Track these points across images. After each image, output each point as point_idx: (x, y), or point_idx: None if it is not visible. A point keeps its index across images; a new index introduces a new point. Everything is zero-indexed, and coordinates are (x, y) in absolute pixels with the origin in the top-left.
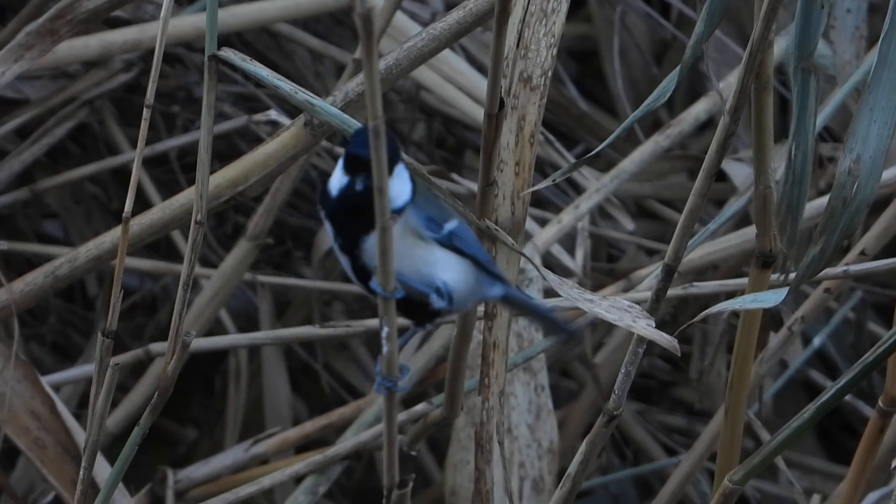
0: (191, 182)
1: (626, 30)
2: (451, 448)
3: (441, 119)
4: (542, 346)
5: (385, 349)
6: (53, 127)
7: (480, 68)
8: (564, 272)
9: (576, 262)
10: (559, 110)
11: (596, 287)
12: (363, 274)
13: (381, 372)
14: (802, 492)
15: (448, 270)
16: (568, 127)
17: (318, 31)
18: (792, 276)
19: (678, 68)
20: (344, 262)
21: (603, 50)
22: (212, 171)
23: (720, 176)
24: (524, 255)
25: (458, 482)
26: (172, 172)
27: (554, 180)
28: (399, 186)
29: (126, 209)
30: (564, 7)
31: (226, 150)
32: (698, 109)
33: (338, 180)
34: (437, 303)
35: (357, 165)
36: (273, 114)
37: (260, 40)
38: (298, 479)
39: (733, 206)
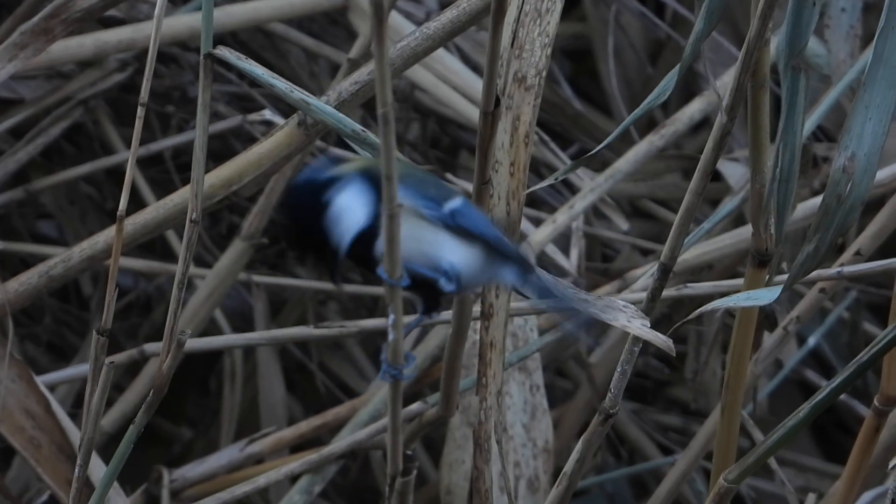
0: (185, 182)
1: (621, 29)
2: (446, 447)
3: (435, 119)
4: (537, 345)
5: (391, 336)
6: (48, 127)
7: (475, 68)
8: (559, 272)
9: (570, 262)
10: (554, 110)
11: (591, 287)
12: (369, 263)
13: (386, 359)
14: (796, 491)
15: (454, 251)
16: (563, 127)
17: (313, 30)
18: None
19: (677, 67)
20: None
21: (597, 49)
22: (206, 171)
23: (715, 176)
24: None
25: (454, 481)
26: (167, 172)
27: (556, 178)
28: (350, 218)
29: (120, 208)
30: (559, 6)
31: (220, 150)
32: (693, 109)
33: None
34: (446, 286)
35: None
36: (267, 113)
37: (254, 40)
38: (294, 479)
39: (728, 204)
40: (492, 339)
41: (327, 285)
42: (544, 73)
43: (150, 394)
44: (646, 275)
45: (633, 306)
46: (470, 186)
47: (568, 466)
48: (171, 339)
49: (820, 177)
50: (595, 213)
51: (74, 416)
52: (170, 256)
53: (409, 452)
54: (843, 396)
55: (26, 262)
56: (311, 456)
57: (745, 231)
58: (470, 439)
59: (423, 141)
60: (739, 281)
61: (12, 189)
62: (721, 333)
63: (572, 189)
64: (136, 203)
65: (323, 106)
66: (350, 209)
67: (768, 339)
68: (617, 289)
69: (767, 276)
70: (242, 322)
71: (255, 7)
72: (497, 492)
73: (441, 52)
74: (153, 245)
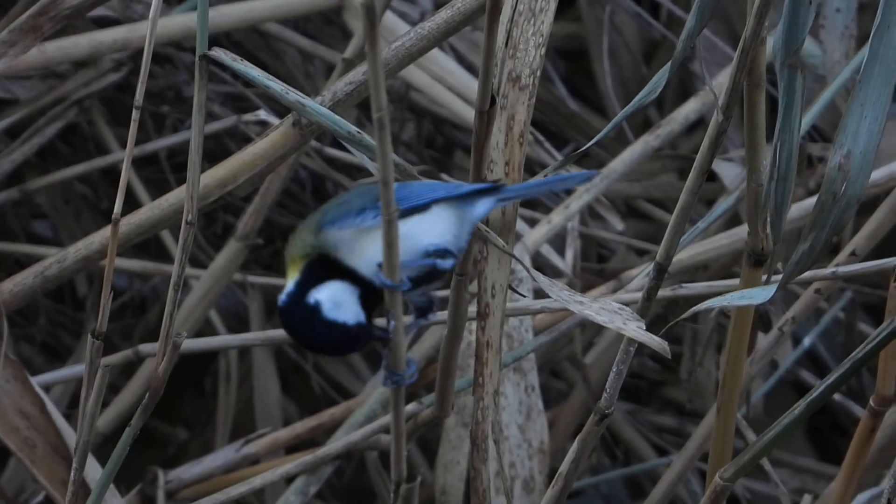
0: (180, 182)
1: (616, 29)
2: (441, 448)
3: (430, 119)
4: (532, 346)
5: (392, 342)
6: (43, 127)
7: (470, 68)
8: (554, 272)
9: (565, 263)
10: (548, 110)
11: (586, 287)
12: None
13: (387, 366)
14: (791, 492)
15: (424, 233)
16: (557, 126)
17: (308, 30)
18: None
19: (669, 63)
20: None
21: (592, 49)
22: (201, 171)
23: (710, 175)
24: (514, 257)
25: (449, 482)
26: (162, 172)
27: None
28: (349, 302)
29: (115, 209)
30: (553, 6)
31: (215, 150)
32: (688, 109)
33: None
34: (444, 264)
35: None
36: (262, 114)
37: (249, 40)
38: (289, 480)
39: (723, 204)
40: (488, 338)
41: None
42: (539, 73)
43: (146, 396)
44: (641, 275)
45: (628, 308)
46: None
47: (563, 467)
48: (167, 340)
49: (815, 176)
50: (590, 213)
51: (69, 416)
52: (165, 257)
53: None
54: (838, 397)
55: (21, 263)
56: (306, 457)
57: (741, 231)
58: (465, 440)
59: (418, 141)
60: (735, 281)
61: (7, 189)
62: (716, 334)
63: (567, 189)
64: (131, 203)
65: (318, 107)
66: (337, 293)
67: (763, 339)
68: (612, 289)
69: (768, 277)
70: (237, 322)
71: (250, 7)
72: (493, 492)
73: (436, 52)
74: (148, 245)
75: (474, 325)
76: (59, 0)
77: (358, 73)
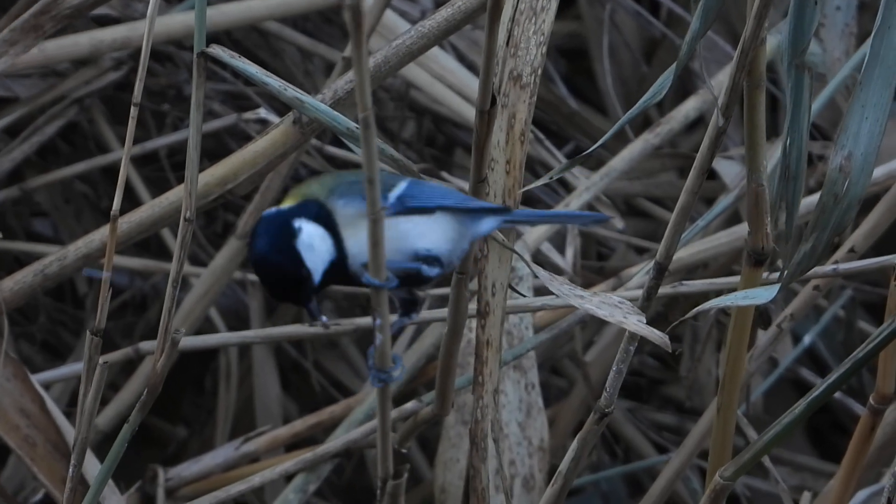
0: (180, 180)
1: (616, 28)
2: (440, 446)
3: (431, 117)
4: (532, 344)
5: (378, 340)
6: (43, 125)
7: (470, 66)
8: (554, 270)
9: (566, 261)
10: (549, 109)
11: (586, 285)
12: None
13: (374, 365)
14: (791, 490)
15: (421, 236)
16: (558, 125)
17: (308, 29)
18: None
19: (674, 65)
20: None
21: (592, 48)
22: (201, 170)
23: (710, 174)
24: (516, 252)
25: (448, 480)
26: (162, 171)
27: (551, 178)
28: (320, 248)
29: (115, 205)
30: (554, 5)
31: (215, 149)
32: (688, 107)
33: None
34: (430, 271)
35: (292, 299)
36: (262, 112)
37: (249, 38)
38: (289, 478)
39: (723, 202)
40: (488, 336)
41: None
42: (540, 72)
43: (145, 392)
44: (640, 273)
45: (629, 302)
46: (466, 185)
47: (563, 465)
48: (166, 337)
49: (815, 175)
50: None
51: (69, 414)
52: (165, 255)
53: (404, 451)
54: (838, 395)
55: (21, 261)
56: (306, 455)
57: (740, 230)
58: (465, 438)
59: (418, 139)
60: (734, 279)
61: (7, 187)
62: (714, 330)
63: (567, 187)
64: (131, 201)
65: (317, 104)
66: (318, 238)
67: (763, 337)
68: (612, 287)
69: (770, 275)
70: (237, 321)
71: (250, 5)
72: (492, 490)
73: (436, 50)
74: (148, 244)
75: (474, 322)
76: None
77: None
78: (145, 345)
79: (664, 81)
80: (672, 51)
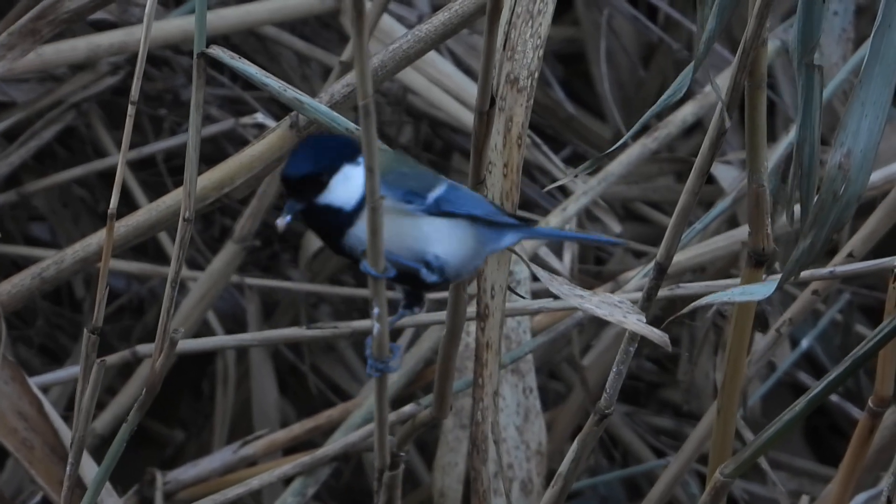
0: (177, 185)
1: (613, 32)
2: (439, 450)
3: (428, 121)
4: (530, 347)
5: (375, 329)
6: (41, 130)
7: (467, 71)
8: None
9: (563, 265)
10: (546, 113)
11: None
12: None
13: (371, 354)
14: (789, 494)
15: (439, 242)
16: (555, 129)
17: (305, 33)
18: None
19: (691, 65)
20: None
21: (590, 52)
22: (198, 174)
23: (707, 179)
24: (516, 253)
25: (447, 484)
26: (159, 175)
27: (575, 175)
28: (345, 189)
29: (111, 204)
30: (550, 8)
31: (213, 153)
32: (686, 112)
33: (287, 206)
34: (429, 277)
35: (285, 189)
36: (260, 117)
37: (246, 43)
38: (287, 481)
39: (721, 204)
40: (488, 339)
41: (319, 287)
42: (536, 75)
43: (143, 392)
44: (638, 276)
45: (628, 302)
46: None
47: (563, 467)
48: (165, 338)
49: None
50: (588, 215)
51: (67, 418)
52: (162, 259)
53: (402, 454)
54: (835, 399)
55: (19, 265)
56: (304, 458)
57: (738, 233)
58: (463, 442)
59: (415, 144)
60: (732, 281)
61: (5, 192)
62: (712, 334)
63: (565, 192)
64: (129, 206)
65: (316, 104)
66: (355, 184)
67: (761, 341)
68: (610, 291)
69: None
70: (235, 324)
71: (247, 10)
72: (491, 494)
73: (433, 54)
74: (145, 248)
75: (471, 326)
76: (58, 4)
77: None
78: (143, 348)
79: (682, 81)
80: (669, 55)
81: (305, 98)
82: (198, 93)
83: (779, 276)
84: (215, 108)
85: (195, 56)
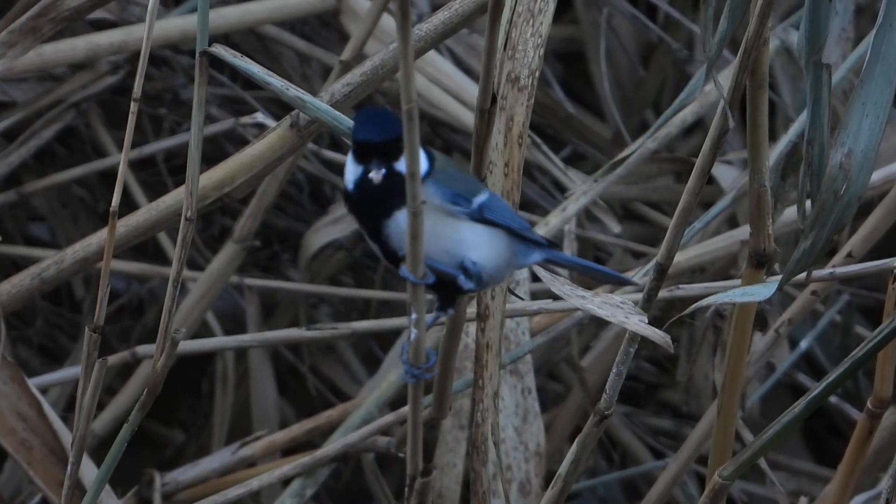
0: (178, 184)
1: (613, 32)
2: (438, 450)
3: (428, 121)
4: (528, 348)
5: (413, 335)
6: (40, 129)
7: (467, 70)
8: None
9: None
10: (546, 112)
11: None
12: (394, 259)
13: (407, 360)
14: (788, 494)
15: (477, 248)
16: (555, 129)
17: (305, 33)
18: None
19: (705, 66)
20: (374, 247)
21: (589, 52)
22: (199, 173)
23: (707, 180)
24: None
25: (446, 484)
26: (159, 175)
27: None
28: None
29: (113, 203)
30: (551, 7)
31: (213, 153)
32: (686, 112)
33: (352, 171)
34: (466, 284)
35: (367, 152)
36: (260, 116)
37: (247, 42)
38: (286, 482)
39: (720, 204)
40: (488, 339)
41: (319, 288)
42: (537, 74)
43: (144, 393)
44: (637, 276)
45: (629, 302)
46: None
47: (563, 468)
48: (166, 337)
49: None
50: (587, 215)
51: (66, 418)
52: (162, 259)
53: (400, 455)
54: (834, 400)
55: (18, 265)
56: (303, 459)
57: (737, 234)
58: (462, 442)
59: None
60: (732, 283)
61: (5, 192)
62: (711, 335)
63: (564, 191)
64: (129, 205)
65: (318, 103)
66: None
67: (760, 341)
68: (609, 291)
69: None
70: (234, 325)
71: (248, 9)
72: (490, 495)
73: (433, 54)
74: (145, 248)
75: (470, 327)
76: (58, 2)
77: (355, 74)
78: (143, 348)
79: (697, 81)
80: (668, 55)
81: (308, 97)
82: (200, 91)
83: (778, 276)
84: (215, 108)
85: (198, 55)
